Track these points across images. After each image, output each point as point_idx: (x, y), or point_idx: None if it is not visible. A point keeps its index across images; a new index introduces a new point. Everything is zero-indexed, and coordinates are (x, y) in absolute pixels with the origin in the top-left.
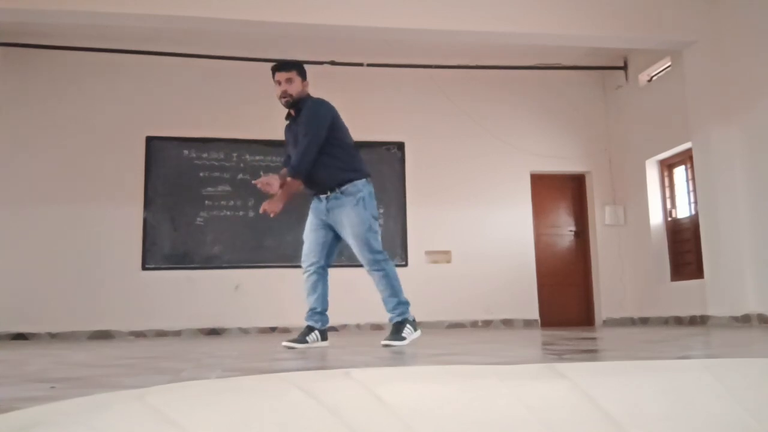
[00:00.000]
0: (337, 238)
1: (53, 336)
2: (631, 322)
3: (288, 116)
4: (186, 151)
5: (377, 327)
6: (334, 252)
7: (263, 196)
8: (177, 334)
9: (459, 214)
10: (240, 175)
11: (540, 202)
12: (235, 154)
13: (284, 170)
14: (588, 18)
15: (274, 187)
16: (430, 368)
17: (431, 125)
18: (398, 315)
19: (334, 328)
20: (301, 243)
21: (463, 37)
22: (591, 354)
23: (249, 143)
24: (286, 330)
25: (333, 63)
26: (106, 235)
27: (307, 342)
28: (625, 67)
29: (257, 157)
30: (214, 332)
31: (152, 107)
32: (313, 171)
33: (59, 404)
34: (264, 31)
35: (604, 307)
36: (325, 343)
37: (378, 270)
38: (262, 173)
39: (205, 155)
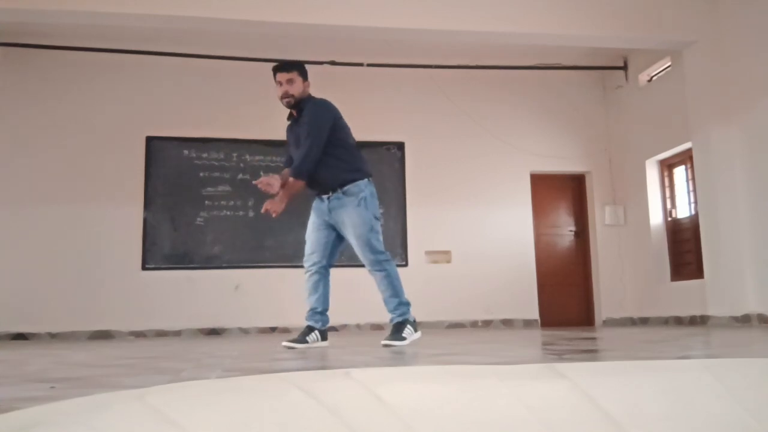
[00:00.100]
0: (339, 238)
1: (53, 336)
2: (631, 322)
3: (290, 116)
4: (186, 151)
5: (377, 327)
6: (337, 252)
7: (263, 196)
8: (177, 334)
9: (459, 214)
10: (240, 175)
11: (540, 202)
12: (235, 154)
13: (285, 171)
14: (588, 18)
15: (274, 188)
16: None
17: (431, 125)
18: (399, 315)
19: (334, 328)
20: (301, 243)
21: (463, 37)
22: (591, 354)
23: (249, 143)
24: (286, 330)
25: (333, 63)
26: (106, 235)
27: (307, 342)
28: (625, 67)
29: (257, 157)
30: (214, 332)
31: (152, 107)
32: (316, 171)
33: (59, 404)
34: (264, 31)
35: (604, 307)
36: (325, 343)
37: (380, 270)
38: (262, 173)
39: (205, 155)
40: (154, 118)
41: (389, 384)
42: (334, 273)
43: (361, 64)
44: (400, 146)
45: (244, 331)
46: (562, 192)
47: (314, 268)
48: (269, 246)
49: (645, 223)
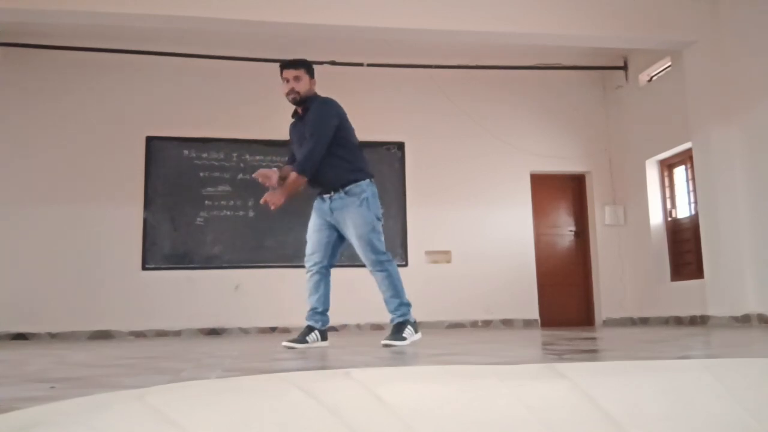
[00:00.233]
0: (341, 238)
1: (53, 336)
2: (631, 322)
3: (294, 114)
4: (186, 151)
5: (377, 327)
6: (338, 252)
7: (263, 195)
8: (177, 334)
9: (459, 214)
10: (240, 175)
11: (540, 202)
12: (235, 154)
13: (286, 167)
14: (588, 18)
15: (272, 180)
16: (430, 368)
17: (431, 125)
18: (400, 316)
19: (334, 328)
20: (301, 243)
21: (463, 37)
22: (591, 354)
23: (249, 143)
24: (286, 330)
25: (333, 63)
26: (106, 235)
27: (307, 342)
28: (625, 67)
29: (257, 157)
30: (214, 332)
31: (152, 107)
32: (319, 170)
33: (59, 404)
34: (264, 31)
35: (604, 307)
36: (325, 343)
37: (381, 271)
38: None
39: (205, 155)
40: (154, 118)
41: (389, 384)
42: (335, 273)
43: (361, 64)
44: (400, 146)
45: (244, 331)
46: (562, 192)
47: (315, 268)
48: (269, 246)
49: (645, 223)
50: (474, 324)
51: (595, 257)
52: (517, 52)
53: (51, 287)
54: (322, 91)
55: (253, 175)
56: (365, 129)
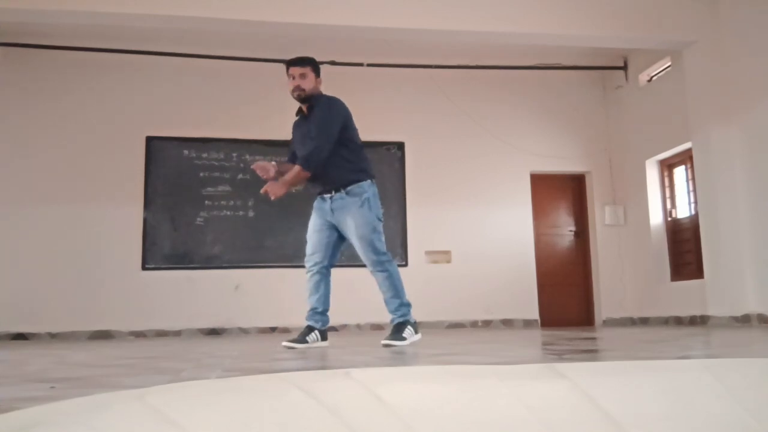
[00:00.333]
0: (341, 238)
1: (53, 336)
2: (631, 322)
3: (298, 112)
4: (186, 151)
5: (377, 327)
6: (338, 252)
7: (263, 196)
8: (177, 334)
9: (459, 214)
10: (240, 175)
11: (540, 202)
12: (235, 154)
13: (285, 164)
14: (588, 18)
15: (269, 173)
16: (430, 368)
17: (431, 125)
18: (400, 316)
19: (334, 328)
20: (301, 243)
21: (463, 37)
22: (591, 354)
23: (249, 143)
24: (286, 330)
25: (333, 63)
26: (106, 235)
27: (307, 342)
28: (625, 67)
29: (257, 157)
30: (214, 332)
31: (152, 107)
32: (321, 169)
33: (59, 404)
34: (264, 31)
35: (604, 307)
36: (325, 343)
37: (382, 271)
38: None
39: (205, 155)
40: (154, 118)
41: (389, 384)
42: (335, 273)
43: (361, 64)
44: (400, 146)
45: (244, 331)
46: (562, 192)
47: (315, 269)
48: (269, 246)
49: (645, 223)
50: (474, 324)
51: (595, 257)
52: (517, 52)
53: (51, 287)
54: (323, 91)
55: (252, 167)
56: (365, 129)
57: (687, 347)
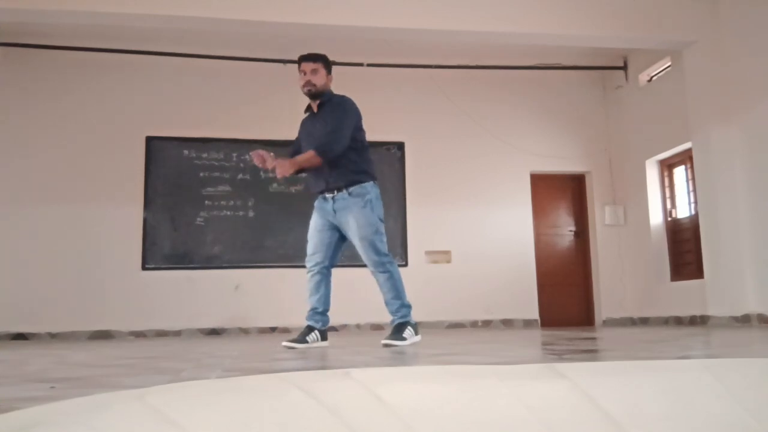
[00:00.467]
0: (342, 239)
1: (53, 336)
2: (631, 322)
3: (307, 109)
4: (186, 151)
5: (377, 327)
6: (339, 253)
7: (263, 196)
8: (177, 334)
9: (459, 214)
10: (240, 175)
11: (540, 202)
12: (235, 154)
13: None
14: (588, 18)
15: (267, 163)
16: (430, 368)
17: (431, 125)
18: (401, 317)
19: (334, 328)
20: (301, 242)
21: (463, 37)
22: (591, 354)
23: (249, 143)
24: (286, 330)
25: (333, 63)
26: (106, 235)
27: (307, 342)
28: (625, 67)
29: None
30: (214, 332)
31: (152, 107)
32: (325, 166)
33: (59, 404)
34: (264, 31)
35: (604, 307)
36: (325, 343)
37: (383, 272)
38: (262, 173)
39: (205, 155)
40: (154, 118)
41: (389, 384)
42: (335, 273)
43: (361, 64)
44: (400, 146)
45: (244, 331)
46: (562, 192)
47: (316, 269)
48: (269, 246)
49: (645, 223)
50: (474, 324)
51: (595, 257)
52: (517, 52)
53: (51, 287)
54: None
55: (250, 153)
56: (365, 129)
57: (687, 347)
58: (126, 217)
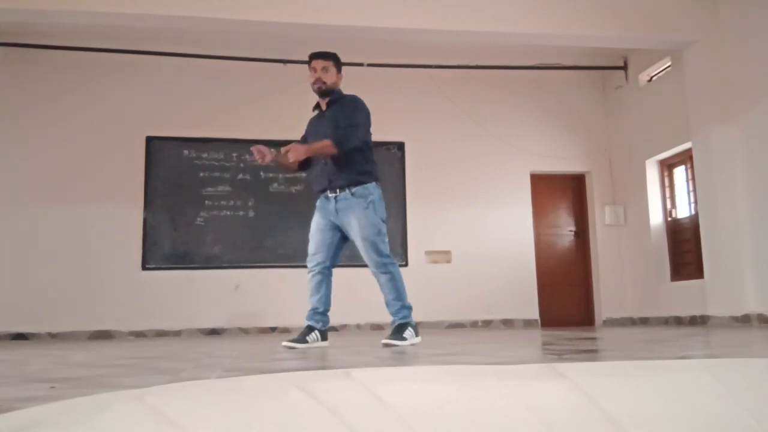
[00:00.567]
0: (344, 239)
1: (53, 336)
2: (631, 322)
3: (316, 107)
4: (186, 151)
5: (377, 327)
6: (341, 253)
7: (263, 196)
8: (177, 334)
9: (459, 214)
10: (240, 175)
11: (540, 202)
12: (235, 154)
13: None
14: (588, 18)
15: (266, 159)
16: (430, 368)
17: (431, 125)
18: (401, 318)
19: (334, 328)
20: (301, 243)
21: (463, 37)
22: (591, 354)
23: (249, 143)
24: (286, 330)
25: None
26: (106, 235)
27: (307, 342)
28: (625, 67)
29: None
30: (214, 332)
31: (152, 107)
32: (331, 162)
33: (59, 404)
34: (264, 31)
35: (604, 307)
36: (325, 343)
37: (385, 273)
38: (262, 173)
39: (205, 155)
40: (154, 118)
41: (389, 384)
42: (335, 273)
43: (361, 64)
44: (400, 146)
45: (244, 331)
46: (562, 192)
47: (318, 269)
48: (269, 246)
49: (645, 223)
50: (474, 324)
51: (595, 257)
52: (517, 52)
53: (51, 287)
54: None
55: (251, 148)
56: None
57: (687, 347)
58: (126, 217)
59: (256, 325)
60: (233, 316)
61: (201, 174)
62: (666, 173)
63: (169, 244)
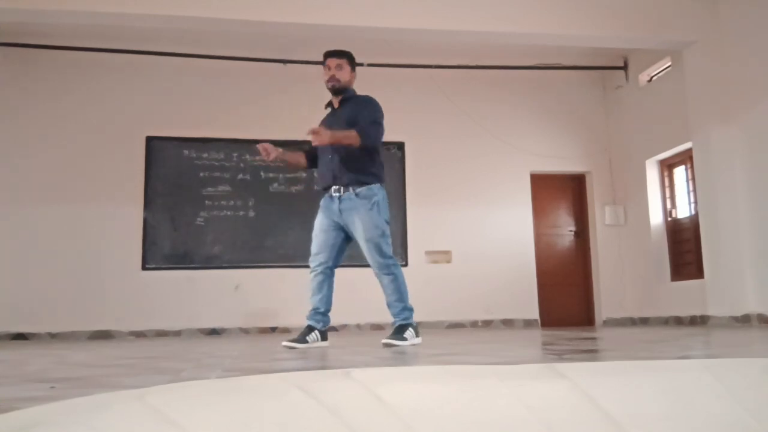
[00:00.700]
0: (347, 239)
1: (53, 336)
2: (631, 322)
3: (328, 105)
4: (186, 151)
5: (377, 327)
6: (343, 253)
7: (263, 196)
8: (177, 334)
9: (459, 214)
10: (240, 175)
11: (540, 202)
12: (235, 154)
13: (292, 153)
14: (588, 18)
15: (270, 156)
16: (430, 368)
17: (431, 125)
18: (403, 319)
19: (334, 328)
20: (301, 242)
21: (463, 37)
22: (591, 354)
23: (249, 143)
24: (286, 330)
25: None
26: (106, 235)
27: (307, 342)
28: (625, 67)
29: (257, 157)
30: (214, 332)
31: (152, 107)
32: (336, 161)
33: (59, 404)
34: (264, 31)
35: (604, 307)
36: (325, 343)
37: (388, 274)
38: (262, 173)
39: (205, 155)
40: (154, 118)
41: (389, 384)
42: (335, 273)
43: (361, 64)
44: (400, 146)
45: (244, 331)
46: (562, 192)
47: (320, 269)
48: (269, 246)
49: (645, 223)
50: (474, 324)
51: (595, 257)
52: (517, 52)
53: (51, 287)
54: (324, 91)
55: (257, 146)
56: None
57: (687, 347)
58: (126, 217)
59: (256, 325)
60: (233, 316)
61: (201, 174)
62: (666, 173)
63: (169, 244)
